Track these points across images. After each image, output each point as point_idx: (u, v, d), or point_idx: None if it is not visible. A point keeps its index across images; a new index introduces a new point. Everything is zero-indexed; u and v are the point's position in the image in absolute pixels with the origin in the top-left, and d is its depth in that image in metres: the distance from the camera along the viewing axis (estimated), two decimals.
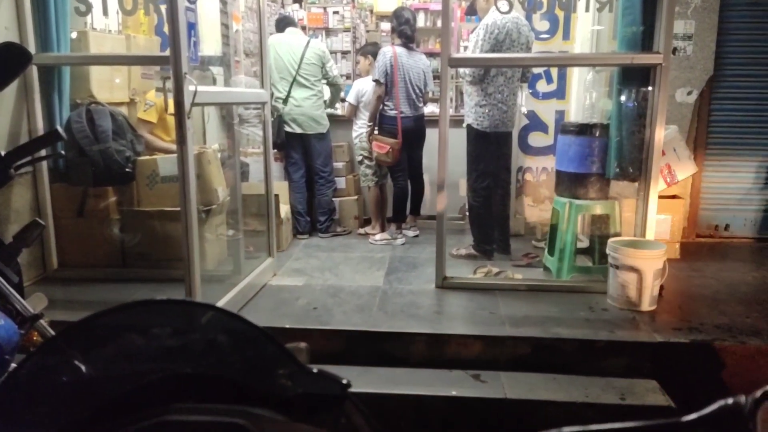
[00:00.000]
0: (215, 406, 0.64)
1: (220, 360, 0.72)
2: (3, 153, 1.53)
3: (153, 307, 0.71)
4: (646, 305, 2.94)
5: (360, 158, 4.71)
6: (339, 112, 5.06)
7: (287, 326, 2.81)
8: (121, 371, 0.72)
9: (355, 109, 4.72)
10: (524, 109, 4.32)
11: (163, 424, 0.63)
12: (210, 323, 0.71)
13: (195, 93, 2.46)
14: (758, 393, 0.54)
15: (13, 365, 1.27)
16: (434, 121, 4.20)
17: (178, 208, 2.65)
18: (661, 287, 3.04)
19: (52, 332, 1.49)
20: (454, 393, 2.47)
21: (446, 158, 3.19)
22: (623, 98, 3.13)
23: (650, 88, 3.05)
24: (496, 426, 2.43)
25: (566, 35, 4.36)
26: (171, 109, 2.46)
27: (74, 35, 3.35)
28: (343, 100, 5.05)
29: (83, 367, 0.72)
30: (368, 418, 0.72)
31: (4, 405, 0.70)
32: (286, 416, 0.68)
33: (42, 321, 1.52)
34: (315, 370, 0.67)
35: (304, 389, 0.70)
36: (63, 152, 1.97)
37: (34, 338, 1.55)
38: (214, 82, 3.81)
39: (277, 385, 0.72)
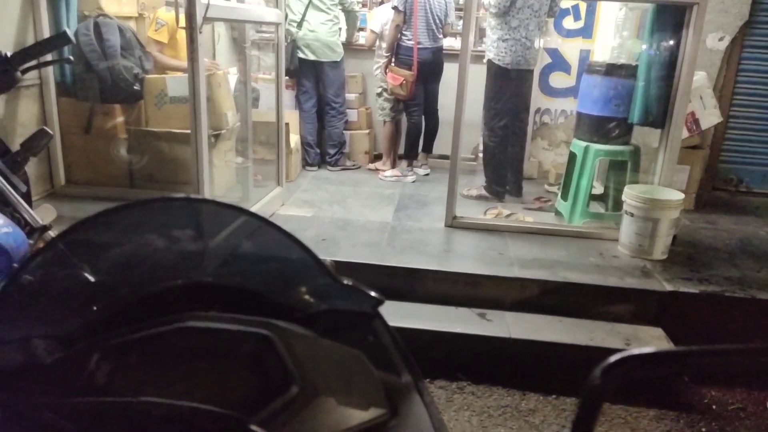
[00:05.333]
0: (238, 316, 0.60)
1: (243, 270, 0.68)
2: (9, 54, 1.45)
3: (171, 205, 0.66)
4: (658, 254, 2.91)
5: (379, 90, 4.56)
6: (363, 40, 4.84)
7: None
8: (137, 275, 0.67)
9: (377, 38, 4.52)
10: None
11: (181, 330, 0.59)
12: (234, 228, 0.66)
13: (207, 6, 2.34)
14: None
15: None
16: (452, 55, 4.05)
17: (187, 131, 2.58)
18: (674, 237, 3.00)
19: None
20: (458, 330, 2.48)
21: (465, 94, 3.08)
22: (655, 40, 2.98)
23: (683, 31, 2.89)
24: (498, 363, 2.45)
25: None
26: (182, 22, 2.35)
27: None
28: (361, 29, 4.85)
29: (93, 269, 0.67)
30: (395, 338, 0.69)
31: (10, 306, 0.66)
32: (311, 332, 0.64)
33: (50, 232, 1.49)
34: (349, 283, 0.62)
35: (331, 305, 0.66)
36: (71, 57, 1.89)
37: None
38: None
39: (301, 300, 0.68)
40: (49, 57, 1.72)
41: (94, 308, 0.65)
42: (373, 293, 0.62)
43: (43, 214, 1.58)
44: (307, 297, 0.68)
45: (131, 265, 0.68)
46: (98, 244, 0.65)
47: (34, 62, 1.50)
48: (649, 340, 2.45)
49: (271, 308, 0.66)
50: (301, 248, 0.63)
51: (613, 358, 0.48)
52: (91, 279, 0.65)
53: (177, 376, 0.57)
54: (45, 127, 1.54)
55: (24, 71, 1.48)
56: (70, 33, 1.47)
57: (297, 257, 0.66)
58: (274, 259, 0.69)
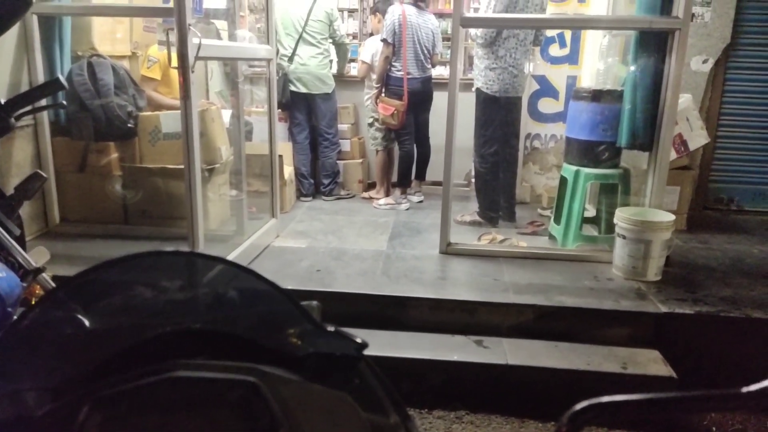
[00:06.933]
0: (225, 363, 0.62)
1: (230, 316, 0.69)
2: (3, 101, 1.48)
3: (161, 258, 0.68)
4: (652, 276, 2.92)
5: (370, 120, 4.63)
6: (354, 72, 4.93)
7: (290, 288, 2.80)
8: (127, 324, 0.69)
9: (369, 69, 4.60)
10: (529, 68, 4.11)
11: (170, 380, 0.60)
12: (221, 277, 0.68)
13: (199, 46, 2.39)
14: None
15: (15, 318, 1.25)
16: (442, 84, 4.11)
17: (181, 166, 2.60)
18: (667, 258, 3.02)
19: (54, 286, 1.47)
20: (455, 358, 2.47)
21: (455, 122, 3.12)
22: (639, 65, 3.04)
23: (667, 56, 2.96)
24: (497, 391, 2.44)
25: None
26: (174, 62, 2.39)
27: None
28: (352, 61, 4.93)
29: (86, 319, 0.69)
30: (382, 380, 0.70)
31: (5, 357, 0.67)
32: (298, 376, 0.65)
33: (44, 275, 1.50)
34: (332, 329, 0.64)
35: (317, 349, 0.67)
36: (65, 102, 1.93)
37: (36, 291, 1.54)
38: (217, 36, 3.71)
39: (288, 344, 0.70)
40: (43, 102, 1.75)
41: (85, 358, 0.66)
42: (357, 339, 0.64)
43: (36, 256, 1.59)
44: (294, 340, 0.70)
45: (122, 315, 0.69)
46: (90, 296, 0.66)
47: (28, 108, 1.53)
48: (645, 363, 2.45)
49: (259, 352, 0.67)
50: (285, 297, 0.65)
51: (579, 406, 0.49)
52: (83, 330, 0.66)
53: (166, 426, 0.58)
54: (39, 171, 1.56)
55: (18, 117, 1.51)
56: (63, 79, 1.50)
57: (283, 302, 0.67)
58: (261, 304, 0.71)
